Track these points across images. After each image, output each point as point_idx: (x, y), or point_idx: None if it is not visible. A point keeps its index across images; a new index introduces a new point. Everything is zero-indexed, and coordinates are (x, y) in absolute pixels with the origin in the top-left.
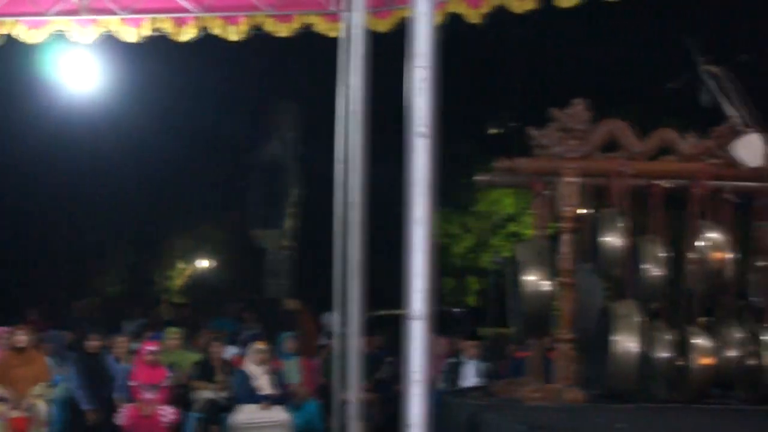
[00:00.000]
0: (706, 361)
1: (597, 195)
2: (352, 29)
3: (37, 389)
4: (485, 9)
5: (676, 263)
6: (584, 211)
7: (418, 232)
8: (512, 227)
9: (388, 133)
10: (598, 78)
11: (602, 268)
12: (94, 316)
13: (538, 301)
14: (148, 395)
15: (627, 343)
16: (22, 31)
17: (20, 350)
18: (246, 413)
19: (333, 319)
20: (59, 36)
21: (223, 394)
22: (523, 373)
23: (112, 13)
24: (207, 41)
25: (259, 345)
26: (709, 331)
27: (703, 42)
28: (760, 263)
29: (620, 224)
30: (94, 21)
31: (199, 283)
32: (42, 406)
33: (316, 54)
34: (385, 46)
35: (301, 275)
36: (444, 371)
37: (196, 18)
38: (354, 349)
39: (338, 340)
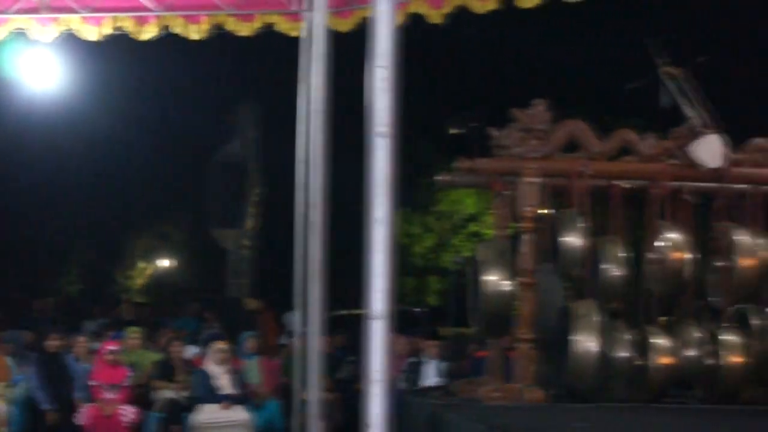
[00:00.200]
0: (665, 360)
1: (557, 195)
2: (314, 29)
3: None
4: (447, 9)
5: (635, 263)
6: (545, 211)
7: (378, 232)
8: (473, 227)
9: (349, 133)
10: (559, 79)
11: (562, 268)
12: (54, 315)
13: (499, 301)
14: (109, 395)
15: (587, 343)
16: None
17: None
18: (207, 413)
19: (294, 318)
20: (19, 34)
21: (184, 394)
22: (483, 373)
23: (73, 11)
24: (168, 40)
25: (220, 345)
26: (668, 330)
27: (663, 44)
28: (719, 263)
29: (580, 224)
30: (54, 19)
31: (160, 282)
32: (1, 406)
33: (277, 53)
34: (347, 46)
35: (261, 275)
36: (405, 371)
37: (158, 17)
38: (315, 349)
39: (299, 339)
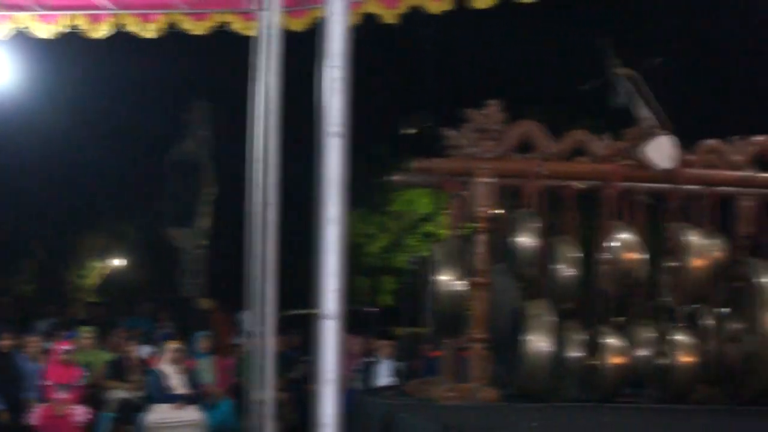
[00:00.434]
0: (618, 360)
1: (511, 195)
2: (268, 28)
3: None
4: (401, 9)
5: (588, 263)
6: (499, 211)
7: (331, 232)
8: (427, 227)
9: (304, 132)
10: (513, 79)
11: (516, 268)
12: (6, 314)
13: (452, 301)
14: (61, 395)
15: (539, 343)
16: None
17: None
18: (159, 413)
19: (247, 318)
20: None
21: (137, 394)
22: (436, 373)
23: (27, 9)
24: (122, 38)
25: (173, 344)
26: (621, 330)
27: (616, 45)
28: (671, 264)
29: (534, 225)
30: (8, 17)
31: (113, 281)
32: None
33: (231, 52)
34: (302, 45)
35: (215, 274)
36: (358, 370)
37: (112, 15)
38: (268, 349)
39: (252, 339)
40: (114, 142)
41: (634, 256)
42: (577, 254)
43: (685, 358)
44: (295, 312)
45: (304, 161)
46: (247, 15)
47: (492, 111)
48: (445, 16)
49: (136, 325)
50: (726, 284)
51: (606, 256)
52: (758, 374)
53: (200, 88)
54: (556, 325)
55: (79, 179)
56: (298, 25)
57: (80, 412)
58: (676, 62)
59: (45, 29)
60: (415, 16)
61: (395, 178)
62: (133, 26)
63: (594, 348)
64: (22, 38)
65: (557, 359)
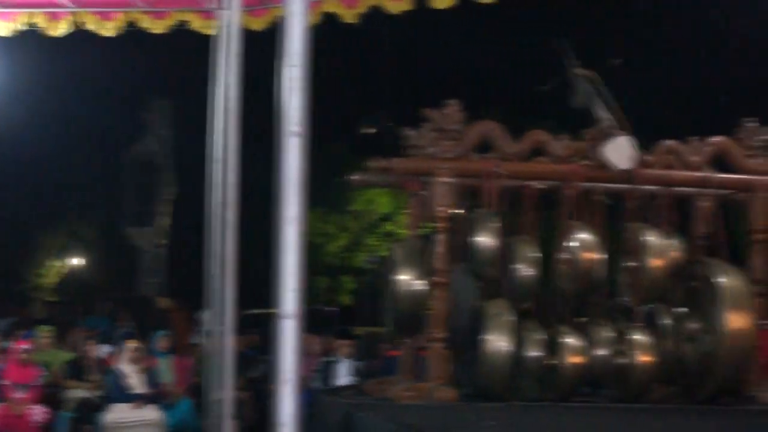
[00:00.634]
0: (576, 360)
1: (471, 195)
2: (227, 27)
3: None
4: (361, 9)
5: (547, 263)
6: (458, 211)
7: (290, 231)
8: (387, 227)
9: (265, 132)
10: (473, 79)
11: (475, 267)
12: None
13: (411, 300)
14: (19, 394)
15: (498, 342)
16: None
17: None
18: (118, 412)
19: (206, 317)
20: None
21: (96, 393)
22: (395, 372)
23: None
24: (80, 36)
25: (132, 343)
26: (580, 330)
27: (575, 45)
28: (630, 264)
29: (493, 224)
30: None
31: (71, 281)
32: None
33: (192, 51)
34: (262, 45)
35: (174, 273)
36: (317, 370)
37: (70, 13)
38: (227, 348)
39: (211, 338)
40: (73, 141)
41: (593, 256)
42: (537, 254)
43: (643, 358)
44: (254, 311)
45: (264, 161)
46: (207, 14)
47: (451, 111)
48: (406, 15)
49: (94, 325)
50: (683, 284)
51: (565, 256)
52: (715, 374)
53: (160, 87)
54: (515, 325)
55: (38, 178)
56: (258, 24)
57: (38, 412)
58: (635, 63)
59: (3, 27)
60: (374, 15)
61: (354, 177)
62: (92, 24)
63: (552, 347)
64: None
65: (516, 359)
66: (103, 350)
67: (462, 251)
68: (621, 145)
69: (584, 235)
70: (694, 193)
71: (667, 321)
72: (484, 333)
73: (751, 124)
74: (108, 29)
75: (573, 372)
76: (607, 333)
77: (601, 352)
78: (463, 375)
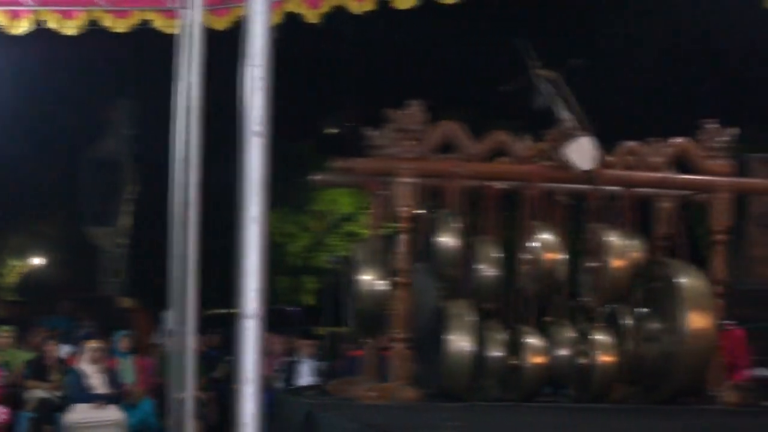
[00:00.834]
0: (538, 360)
1: (433, 196)
2: (190, 26)
3: None
4: (324, 9)
5: (509, 264)
6: (420, 211)
7: (252, 231)
8: (349, 227)
9: (227, 131)
10: (434, 80)
11: (437, 267)
12: None
13: (373, 301)
14: None
15: (460, 342)
16: None
17: None
18: (80, 413)
19: (168, 317)
20: None
21: (57, 394)
22: (358, 372)
23: None
24: (41, 34)
25: (94, 343)
26: (541, 330)
27: (536, 46)
28: (591, 264)
29: (455, 225)
30: None
31: (32, 280)
32: None
33: (153, 50)
34: (225, 44)
35: (136, 273)
36: (280, 370)
37: (32, 11)
38: (189, 348)
39: (173, 338)
40: (34, 139)
41: (555, 256)
42: (498, 254)
43: (604, 358)
44: (217, 311)
45: (227, 160)
46: (169, 13)
47: (414, 111)
48: (369, 15)
49: (55, 324)
50: (644, 284)
51: (526, 256)
52: (676, 374)
53: (122, 85)
54: (477, 325)
55: None
56: (221, 23)
57: None
58: (596, 64)
59: None
60: (338, 15)
61: (317, 177)
62: (54, 23)
63: (514, 348)
64: None
65: (478, 359)
66: (64, 350)
67: (424, 251)
68: (582, 145)
69: (546, 236)
70: (655, 194)
71: (629, 321)
72: (446, 333)
73: (711, 125)
74: (70, 28)
75: (535, 372)
76: (568, 333)
77: (562, 352)
78: (426, 375)
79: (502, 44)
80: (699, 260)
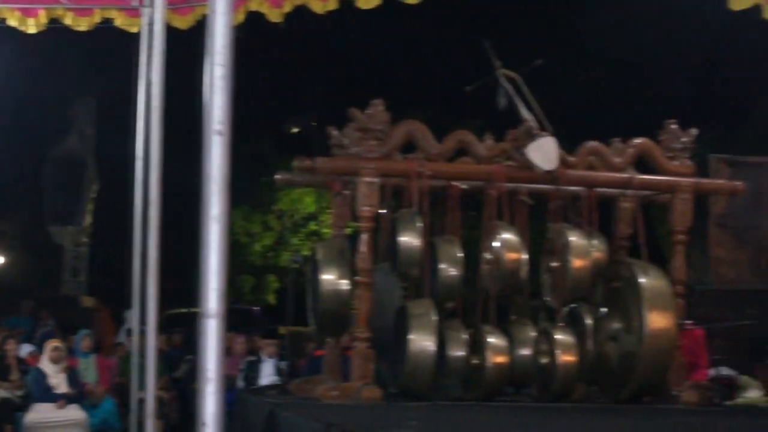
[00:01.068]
0: (500, 359)
1: (395, 195)
2: (151, 25)
3: None
4: (287, 8)
5: (471, 263)
6: (382, 211)
7: (213, 230)
8: (312, 226)
9: (189, 130)
10: (397, 79)
11: (400, 267)
12: None
13: (336, 300)
14: None
15: (422, 342)
16: None
17: None
18: (41, 412)
19: (130, 316)
20: None
21: (18, 393)
22: (321, 372)
23: None
24: (3, 33)
25: (55, 343)
26: (504, 330)
27: (499, 46)
28: (553, 264)
29: (418, 224)
30: None
31: None
32: None
33: (116, 48)
34: (188, 43)
35: (98, 273)
36: (242, 369)
37: None
38: (150, 347)
39: (135, 338)
40: None
41: (517, 256)
42: (460, 254)
43: (566, 358)
44: (178, 311)
45: (189, 159)
46: (132, 11)
47: (376, 111)
48: (332, 15)
49: (16, 324)
50: (606, 284)
51: (488, 256)
52: (637, 373)
53: (84, 83)
54: (439, 325)
55: None
56: (183, 22)
57: None
58: (559, 63)
59: None
60: (302, 14)
61: (278, 176)
62: (16, 21)
63: (476, 347)
64: None
65: (440, 358)
66: (25, 349)
67: (386, 251)
68: (544, 146)
69: (508, 236)
70: (617, 194)
71: (590, 321)
72: (409, 332)
73: (672, 126)
74: (31, 26)
75: (497, 371)
76: (530, 333)
77: (524, 351)
78: (388, 374)
79: (464, 44)
80: (660, 260)
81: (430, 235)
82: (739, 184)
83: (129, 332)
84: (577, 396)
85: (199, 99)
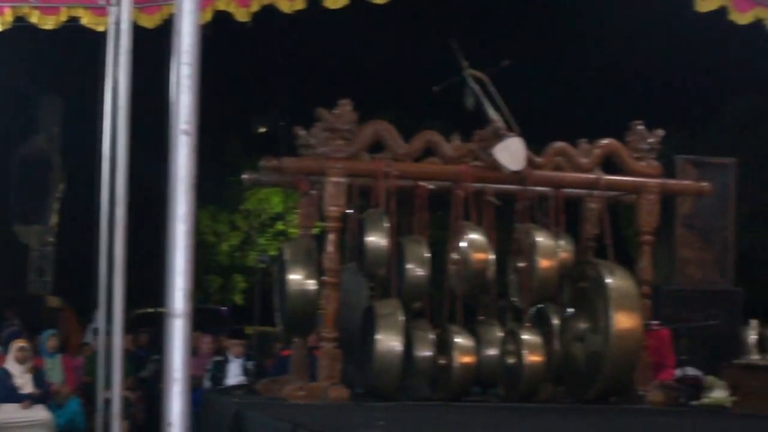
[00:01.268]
0: (467, 359)
1: (362, 195)
2: (117, 24)
3: None
4: (254, 8)
5: (438, 263)
6: (349, 211)
7: (179, 230)
8: (279, 226)
9: (157, 130)
10: (364, 79)
11: (367, 267)
12: None
13: (303, 300)
14: None
15: (390, 342)
16: None
17: None
18: (6, 413)
19: (96, 316)
20: None
21: None
22: (287, 372)
23: None
24: None
25: (20, 343)
26: (471, 330)
27: (466, 46)
28: (520, 264)
29: (385, 224)
30: None
31: None
32: None
33: (83, 46)
34: (155, 42)
35: (64, 272)
36: (209, 369)
37: None
38: (117, 347)
39: (102, 337)
40: None
41: (483, 256)
42: (427, 254)
43: (532, 358)
44: (145, 310)
45: (156, 159)
46: (99, 10)
47: (343, 110)
48: (300, 14)
49: None
50: (573, 284)
51: (455, 256)
52: (603, 373)
53: (50, 82)
54: (406, 325)
55: None
56: (150, 21)
57: None
58: (527, 64)
59: None
60: (270, 14)
61: (245, 176)
62: None
63: (443, 347)
64: None
65: (407, 358)
66: None
67: (353, 251)
68: (511, 146)
69: (475, 236)
70: (584, 195)
71: (557, 321)
72: (376, 333)
73: (639, 127)
74: None
75: (463, 372)
76: (497, 333)
77: (491, 352)
78: (355, 374)
79: (432, 45)
80: (627, 261)
81: (397, 235)
82: (705, 184)
83: (95, 332)
84: (543, 396)
85: (165, 98)
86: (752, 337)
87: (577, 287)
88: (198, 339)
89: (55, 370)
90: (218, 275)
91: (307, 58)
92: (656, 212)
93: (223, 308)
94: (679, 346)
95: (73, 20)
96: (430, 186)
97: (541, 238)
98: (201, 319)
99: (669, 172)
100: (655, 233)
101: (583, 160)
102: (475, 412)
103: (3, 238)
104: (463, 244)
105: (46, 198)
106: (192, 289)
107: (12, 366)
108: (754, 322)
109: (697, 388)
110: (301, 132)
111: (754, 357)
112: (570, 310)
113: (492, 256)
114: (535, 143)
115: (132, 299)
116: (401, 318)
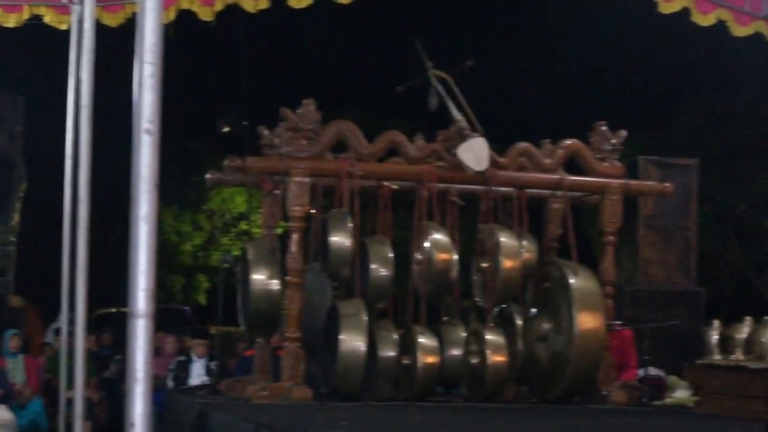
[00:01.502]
0: (431, 360)
1: (326, 195)
2: (80, 22)
3: None
4: (218, 7)
5: (402, 263)
6: (313, 210)
7: (142, 230)
8: (243, 226)
9: (120, 129)
10: (328, 79)
11: (330, 267)
12: None
13: (267, 300)
14: None
15: (353, 342)
16: None
17: None
18: None
19: (60, 316)
20: None
21: None
22: (251, 372)
23: None
24: None
25: None
26: (434, 330)
27: (431, 46)
28: (483, 264)
29: (348, 224)
30: None
31: None
32: None
33: (46, 44)
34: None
35: (26, 272)
36: (172, 369)
37: None
38: (79, 347)
39: (64, 337)
40: None
41: (447, 256)
42: (391, 254)
43: (496, 358)
44: (108, 310)
45: (119, 158)
46: (62, 8)
47: (307, 110)
48: (264, 13)
49: None
50: (536, 285)
51: (419, 256)
52: (566, 373)
53: (13, 80)
54: (370, 325)
55: None
56: (113, 19)
57: None
58: (491, 64)
59: None
60: (234, 13)
61: (209, 176)
62: None
63: (407, 347)
64: None
65: (371, 358)
66: None
67: (317, 251)
68: (475, 146)
69: (438, 236)
70: (547, 195)
71: (520, 321)
72: (339, 333)
73: (602, 127)
74: None
75: (427, 372)
76: (460, 333)
77: (454, 352)
78: (319, 374)
79: (396, 44)
80: (590, 261)
81: (360, 235)
82: (668, 185)
83: (57, 332)
84: (507, 396)
85: (128, 97)
86: (714, 337)
87: (541, 287)
88: (161, 339)
89: (17, 370)
90: (181, 275)
91: (271, 57)
92: (619, 213)
93: (187, 308)
94: (642, 346)
95: (36, 18)
96: (394, 186)
97: (505, 239)
98: (164, 319)
99: (632, 172)
100: (618, 234)
101: (547, 161)
102: (438, 413)
103: None
104: (426, 245)
105: (8, 197)
106: (155, 289)
107: None
108: (716, 323)
109: (659, 388)
110: (264, 132)
111: (716, 357)
112: (533, 310)
113: (455, 257)
114: (498, 143)
115: (94, 299)
116: (365, 318)
